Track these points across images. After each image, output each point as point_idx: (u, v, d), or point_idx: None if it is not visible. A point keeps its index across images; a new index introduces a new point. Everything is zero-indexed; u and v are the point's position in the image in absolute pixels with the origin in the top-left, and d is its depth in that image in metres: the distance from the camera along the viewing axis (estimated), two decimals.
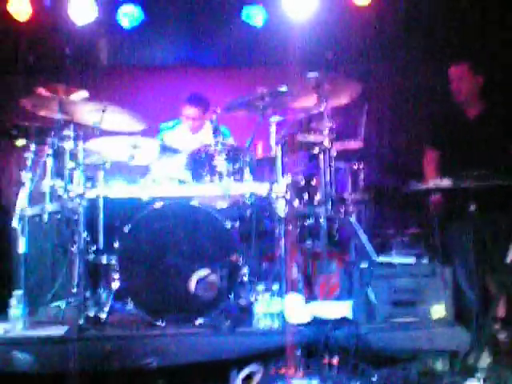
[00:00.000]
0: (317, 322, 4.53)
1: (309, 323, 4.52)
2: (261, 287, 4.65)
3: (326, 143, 5.07)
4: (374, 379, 4.22)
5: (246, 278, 4.72)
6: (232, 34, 6.82)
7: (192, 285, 4.61)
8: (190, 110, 6.35)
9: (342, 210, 5.27)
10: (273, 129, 5.16)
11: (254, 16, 6.79)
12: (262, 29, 6.84)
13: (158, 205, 4.79)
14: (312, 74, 5.00)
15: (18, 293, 4.71)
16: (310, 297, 4.96)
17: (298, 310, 4.58)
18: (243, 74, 7.08)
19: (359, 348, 4.34)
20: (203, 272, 4.62)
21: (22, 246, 4.97)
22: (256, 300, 4.61)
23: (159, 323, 4.61)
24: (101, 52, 6.80)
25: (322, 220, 4.97)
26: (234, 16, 6.72)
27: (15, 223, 5.01)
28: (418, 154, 5.89)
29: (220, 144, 4.96)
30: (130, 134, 5.16)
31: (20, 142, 5.16)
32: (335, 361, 4.30)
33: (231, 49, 6.97)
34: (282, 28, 6.71)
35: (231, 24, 6.78)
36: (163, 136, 6.29)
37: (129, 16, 6.60)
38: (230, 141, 5.39)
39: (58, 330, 4.59)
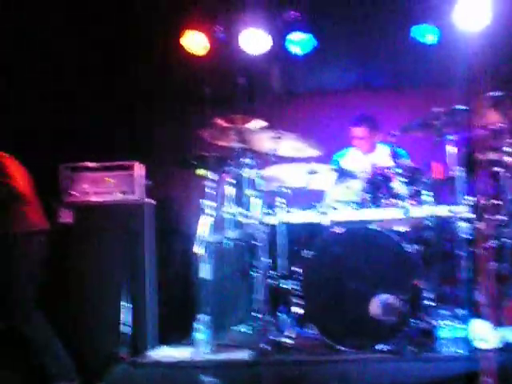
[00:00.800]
0: (507, 348, 4.33)
1: (498, 349, 4.34)
2: (444, 311, 4.53)
3: (508, 160, 4.90)
4: None
5: (428, 303, 4.60)
6: (403, 54, 6.74)
7: (374, 309, 4.56)
8: (357, 130, 6.38)
9: None
10: (451, 148, 5.05)
11: (425, 34, 6.65)
12: (433, 47, 6.68)
13: (338, 229, 4.79)
14: (492, 93, 4.85)
15: (202, 317, 4.83)
16: (497, 321, 4.76)
17: (485, 334, 4.40)
18: (416, 94, 6.96)
19: None
20: (385, 296, 4.56)
21: (205, 272, 5.11)
22: (440, 325, 4.49)
23: (342, 348, 4.59)
24: (274, 80, 6.92)
25: (507, 241, 4.79)
26: (404, 36, 6.61)
27: (197, 249, 5.18)
28: None
29: (398, 166, 4.90)
30: (306, 160, 5.21)
31: (201, 172, 5.34)
32: None
33: (403, 69, 6.88)
34: (453, 44, 6.53)
35: (401, 44, 6.68)
36: (337, 162, 6.32)
37: (300, 43, 6.66)
38: (408, 162, 5.30)
39: (241, 354, 4.67)
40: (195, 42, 6.65)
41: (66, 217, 6.00)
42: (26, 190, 5.46)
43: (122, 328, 5.76)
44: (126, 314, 5.83)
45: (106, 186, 6.10)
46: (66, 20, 6.30)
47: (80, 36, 6.48)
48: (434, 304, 4.63)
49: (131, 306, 5.85)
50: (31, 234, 5.41)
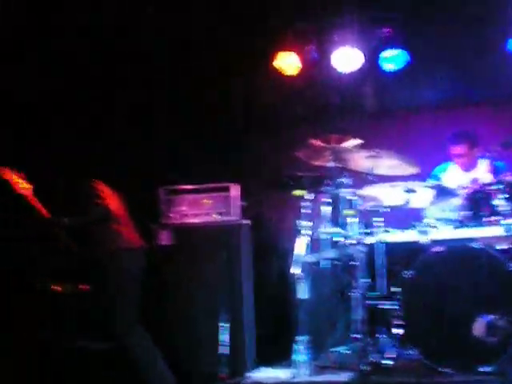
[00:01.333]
0: None
1: None
2: None
3: None
4: None
5: None
6: (499, 66, 6.58)
7: (478, 330, 4.44)
8: (456, 148, 6.23)
9: None
10: None
11: None
12: None
13: (438, 248, 4.71)
14: None
15: (302, 338, 4.81)
16: None
17: None
18: None
19: None
20: (489, 317, 4.44)
21: (303, 292, 5.10)
22: None
23: (444, 370, 4.49)
24: (368, 98, 6.89)
25: None
26: (499, 48, 6.48)
27: (294, 269, 5.17)
28: None
29: (499, 182, 4.79)
30: (404, 178, 5.15)
31: (297, 192, 5.34)
32: None
33: (499, 82, 6.72)
34: None
35: (497, 57, 6.53)
36: (438, 177, 6.22)
37: (392, 60, 6.60)
38: (510, 177, 5.16)
39: (341, 376, 4.64)
40: (288, 62, 6.69)
41: (165, 238, 6.12)
42: (119, 211, 5.58)
43: (221, 348, 5.80)
44: (224, 334, 5.87)
45: (203, 208, 6.19)
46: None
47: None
48: None
49: (229, 325, 5.89)
50: (127, 251, 5.53)
